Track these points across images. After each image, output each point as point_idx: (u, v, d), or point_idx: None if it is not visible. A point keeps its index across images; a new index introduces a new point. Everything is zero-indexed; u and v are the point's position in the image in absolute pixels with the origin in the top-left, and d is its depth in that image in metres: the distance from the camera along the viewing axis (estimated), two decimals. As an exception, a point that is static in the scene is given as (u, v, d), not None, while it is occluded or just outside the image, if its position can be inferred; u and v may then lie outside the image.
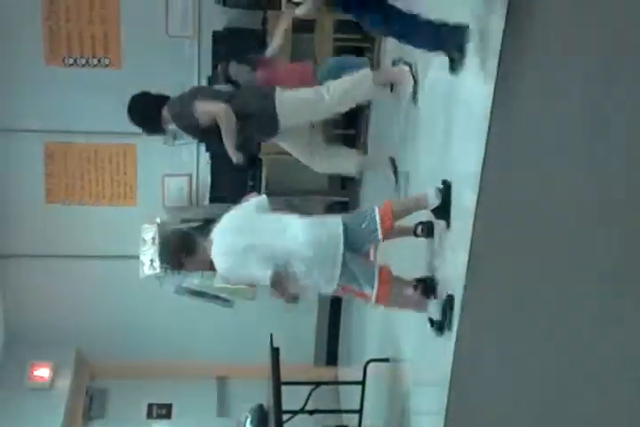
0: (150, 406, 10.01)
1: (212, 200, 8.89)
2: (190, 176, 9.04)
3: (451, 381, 4.73)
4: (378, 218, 4.88)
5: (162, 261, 5.12)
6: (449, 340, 4.75)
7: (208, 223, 8.48)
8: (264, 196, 5.26)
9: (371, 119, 7.86)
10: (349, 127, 8.45)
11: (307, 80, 6.37)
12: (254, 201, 5.17)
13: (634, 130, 2.75)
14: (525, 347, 3.65)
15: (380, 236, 4.90)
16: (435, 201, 4.86)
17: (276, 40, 6.52)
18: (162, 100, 6.17)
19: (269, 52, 6.55)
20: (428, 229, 5.13)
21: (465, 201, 4.49)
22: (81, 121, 8.82)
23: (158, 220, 8.73)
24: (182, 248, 5.04)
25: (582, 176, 3.13)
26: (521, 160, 3.81)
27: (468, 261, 4.43)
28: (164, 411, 9.97)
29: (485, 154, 4.19)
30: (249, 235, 4.91)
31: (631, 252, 2.73)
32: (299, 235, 4.86)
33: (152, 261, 8.57)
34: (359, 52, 7.86)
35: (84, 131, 8.90)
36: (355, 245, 4.88)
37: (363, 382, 6.93)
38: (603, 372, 2.89)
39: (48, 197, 9.20)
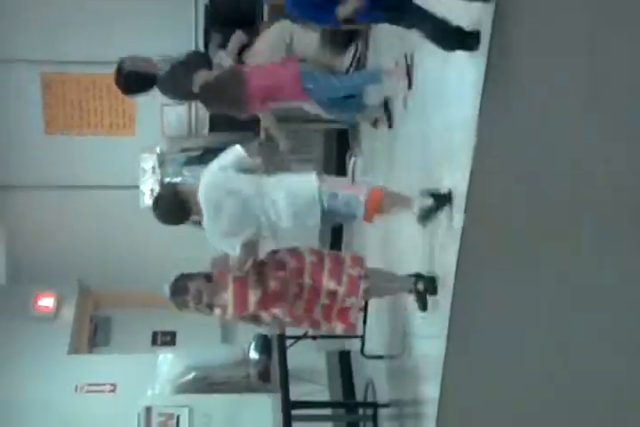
0: (155, 333, 10.14)
1: (211, 129, 8.86)
2: (189, 105, 8.97)
3: (451, 308, 4.79)
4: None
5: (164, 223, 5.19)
6: (450, 261, 4.80)
7: (207, 153, 8.55)
8: (240, 150, 5.13)
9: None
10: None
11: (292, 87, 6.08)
12: (232, 158, 5.09)
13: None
14: (524, 281, 3.70)
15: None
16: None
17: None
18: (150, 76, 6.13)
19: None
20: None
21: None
22: (78, 51, 8.74)
23: (158, 149, 8.70)
24: (178, 208, 5.07)
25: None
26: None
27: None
28: (169, 338, 10.10)
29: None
30: (228, 196, 4.95)
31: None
32: (279, 208, 4.93)
33: (152, 190, 8.58)
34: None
35: (81, 61, 8.83)
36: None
37: (365, 308, 7.00)
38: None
39: (47, 128, 9.17)
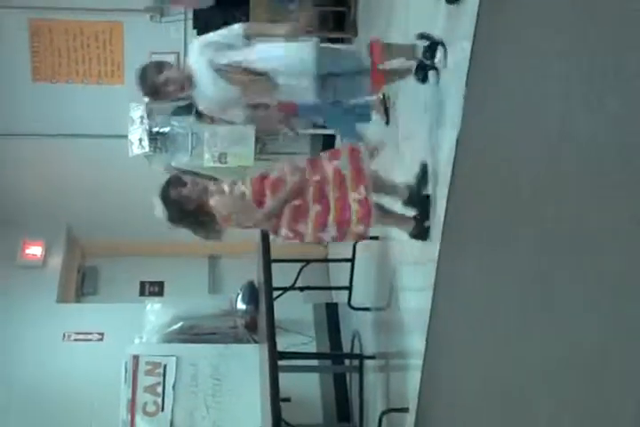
0: (142, 283, 10.15)
1: (200, 80, 8.77)
2: (178, 54, 8.86)
3: (439, 259, 4.79)
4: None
5: (142, 86, 5.03)
6: (436, 220, 4.79)
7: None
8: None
9: None
10: (339, 4, 8.31)
11: None
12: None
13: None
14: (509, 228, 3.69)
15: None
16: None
17: None
18: None
19: None
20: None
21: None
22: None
23: (147, 98, 8.63)
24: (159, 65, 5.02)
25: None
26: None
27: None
28: (157, 288, 10.12)
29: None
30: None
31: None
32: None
33: (141, 140, 8.54)
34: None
35: (68, 7, 8.72)
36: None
37: (352, 260, 7.01)
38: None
39: (35, 76, 9.07)
